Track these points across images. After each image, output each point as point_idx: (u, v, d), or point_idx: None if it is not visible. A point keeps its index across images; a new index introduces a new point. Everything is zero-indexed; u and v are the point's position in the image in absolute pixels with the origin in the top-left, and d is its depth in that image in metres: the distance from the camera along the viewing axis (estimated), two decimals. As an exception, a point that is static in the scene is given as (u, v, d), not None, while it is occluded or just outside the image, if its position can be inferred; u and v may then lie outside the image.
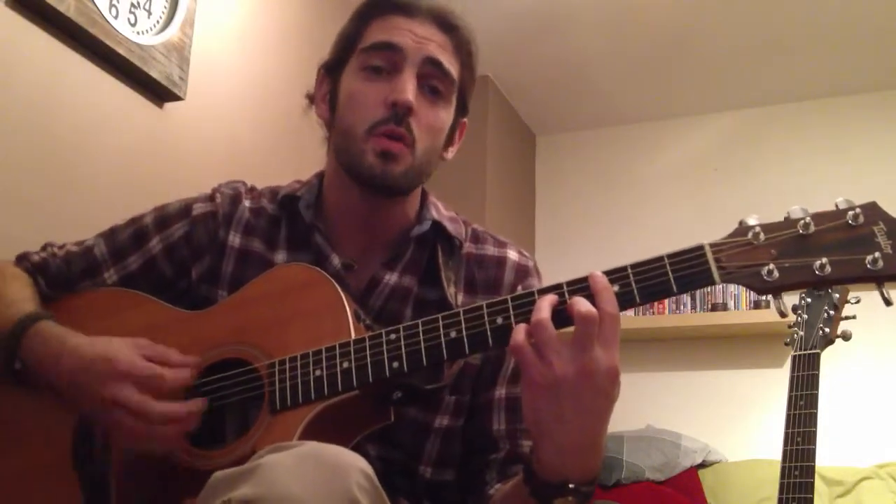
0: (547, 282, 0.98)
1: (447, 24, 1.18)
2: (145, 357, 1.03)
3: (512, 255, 1.25)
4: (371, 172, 1.12)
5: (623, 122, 3.96)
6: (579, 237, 3.86)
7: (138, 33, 1.91)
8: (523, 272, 1.23)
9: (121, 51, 1.84)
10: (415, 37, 1.14)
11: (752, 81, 3.59)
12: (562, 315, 0.90)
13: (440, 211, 1.24)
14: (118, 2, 1.86)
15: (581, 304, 0.88)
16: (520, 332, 0.90)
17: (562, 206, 4.01)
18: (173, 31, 2.00)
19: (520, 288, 1.20)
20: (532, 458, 0.94)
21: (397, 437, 1.12)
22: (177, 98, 2.03)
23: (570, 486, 0.90)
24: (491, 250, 1.24)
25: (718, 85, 3.63)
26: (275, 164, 2.38)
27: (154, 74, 1.94)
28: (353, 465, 0.79)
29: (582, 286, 0.91)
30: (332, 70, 1.22)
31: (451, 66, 1.17)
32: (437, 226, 1.21)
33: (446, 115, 1.18)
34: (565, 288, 0.92)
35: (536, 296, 0.93)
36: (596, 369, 0.87)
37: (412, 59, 1.14)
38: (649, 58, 3.45)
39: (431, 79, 1.15)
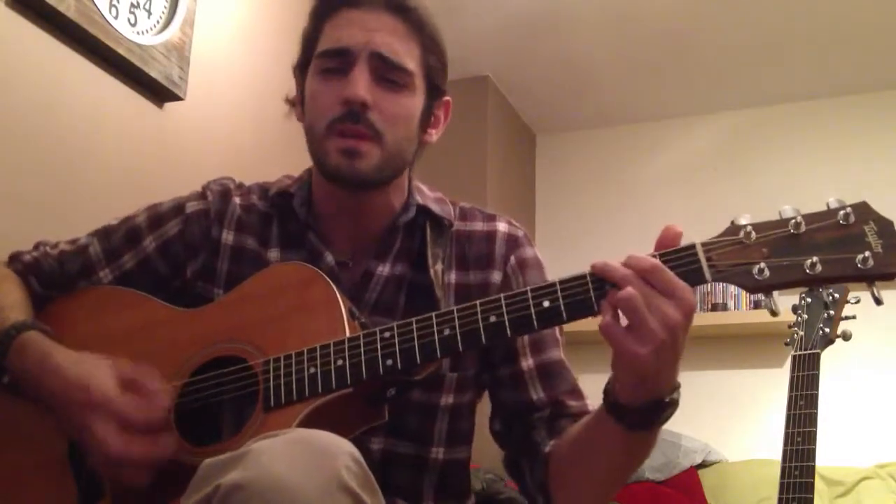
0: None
1: (398, 7, 1.16)
2: (123, 381, 1.00)
3: (501, 227, 1.25)
4: (337, 171, 1.13)
5: (623, 122, 3.96)
6: (579, 237, 3.85)
7: (138, 33, 1.91)
8: (514, 242, 1.24)
9: (121, 51, 1.84)
10: (363, 31, 1.14)
11: (752, 81, 3.58)
12: (578, 306, 0.91)
13: (425, 194, 1.24)
14: (118, 2, 1.86)
15: (643, 261, 0.88)
16: (607, 312, 0.89)
17: (562, 206, 4.00)
18: (173, 31, 2.00)
19: (513, 258, 1.22)
20: (619, 398, 0.94)
21: (404, 424, 1.13)
22: (177, 98, 2.03)
23: (666, 400, 0.93)
24: (479, 226, 1.25)
25: (718, 85, 3.63)
26: (275, 163, 2.37)
27: (154, 74, 1.94)
28: (341, 448, 0.80)
29: (580, 282, 0.92)
30: (301, 70, 1.23)
31: (407, 52, 1.15)
32: (424, 209, 1.21)
33: (410, 102, 1.17)
34: (588, 279, 0.92)
35: (529, 294, 0.93)
36: (692, 306, 0.88)
37: (363, 55, 1.13)
38: (649, 58, 3.45)
39: (384, 71, 1.14)
